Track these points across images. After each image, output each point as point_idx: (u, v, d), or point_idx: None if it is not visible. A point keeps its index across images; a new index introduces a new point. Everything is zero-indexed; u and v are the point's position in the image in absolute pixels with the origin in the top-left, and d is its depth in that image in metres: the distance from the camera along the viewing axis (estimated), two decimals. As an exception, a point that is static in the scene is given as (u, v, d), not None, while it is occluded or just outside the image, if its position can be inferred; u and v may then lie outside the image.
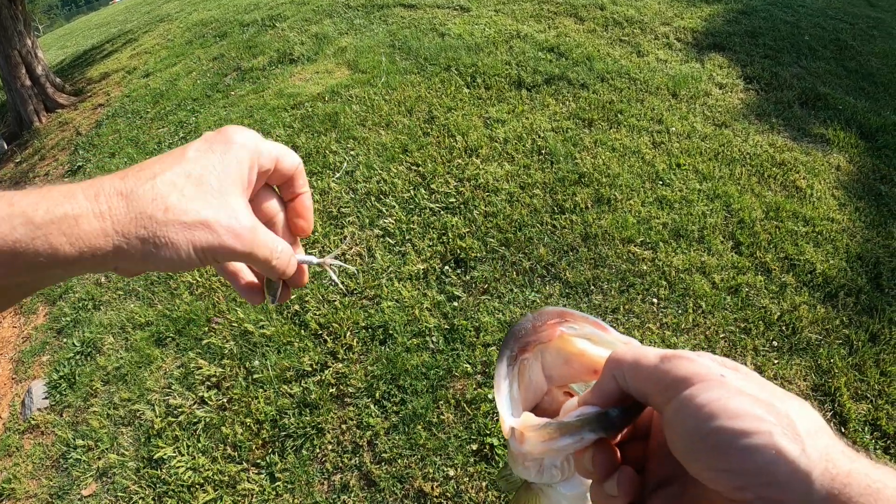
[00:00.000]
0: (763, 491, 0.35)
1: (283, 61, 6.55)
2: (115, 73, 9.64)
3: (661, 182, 4.00)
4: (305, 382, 3.05)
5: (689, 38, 5.83)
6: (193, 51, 8.46)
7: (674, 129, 4.48)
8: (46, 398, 3.64)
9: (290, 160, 0.64)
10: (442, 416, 2.80)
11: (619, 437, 0.51)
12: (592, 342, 0.56)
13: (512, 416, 0.56)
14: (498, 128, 4.53)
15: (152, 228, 0.50)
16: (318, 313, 3.37)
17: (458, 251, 3.57)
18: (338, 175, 3.68)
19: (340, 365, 3.09)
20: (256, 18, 8.55)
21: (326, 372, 3.06)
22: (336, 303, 3.40)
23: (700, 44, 5.75)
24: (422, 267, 3.51)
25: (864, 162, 4.38)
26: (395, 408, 2.87)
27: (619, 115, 4.61)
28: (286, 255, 0.62)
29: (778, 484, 0.35)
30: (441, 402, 2.86)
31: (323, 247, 3.78)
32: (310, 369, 3.10)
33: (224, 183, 0.55)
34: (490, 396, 2.83)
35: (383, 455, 2.71)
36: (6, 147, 9.01)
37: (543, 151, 4.25)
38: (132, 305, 3.94)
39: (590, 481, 0.52)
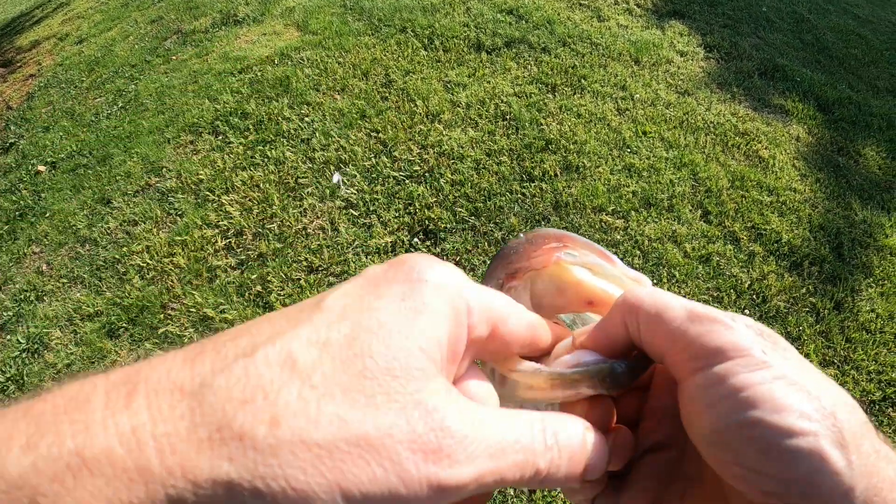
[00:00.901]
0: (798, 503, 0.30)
1: (228, 23, 6.14)
2: (46, 40, 8.93)
3: (628, 150, 3.90)
4: (273, 367, 2.83)
5: (648, 4, 5.71)
6: (129, 14, 7.88)
7: (638, 95, 4.37)
8: (-5, 405, 3.28)
9: (521, 319, 0.39)
10: (420, 399, 2.65)
11: None
12: (593, 273, 0.49)
13: None
14: (459, 92, 4.33)
15: (247, 462, 0.25)
16: (282, 293, 3.13)
17: (427, 222, 3.38)
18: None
19: (309, 347, 2.89)
20: (194, -24, 8.01)
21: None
22: (301, 281, 3.17)
23: (660, 10, 5.64)
24: (389, 240, 3.31)
25: (822, 134, 4.40)
26: (370, 391, 2.70)
27: (582, 81, 4.47)
28: (575, 445, 0.35)
29: (818, 498, 0.30)
30: (418, 384, 2.70)
31: (282, 221, 3.52)
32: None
33: (404, 358, 0.29)
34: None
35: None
36: None
37: (508, 117, 4.09)
38: (78, 294, 3.58)
39: None
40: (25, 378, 3.25)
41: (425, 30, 5.09)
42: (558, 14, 5.36)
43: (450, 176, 3.62)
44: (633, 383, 0.40)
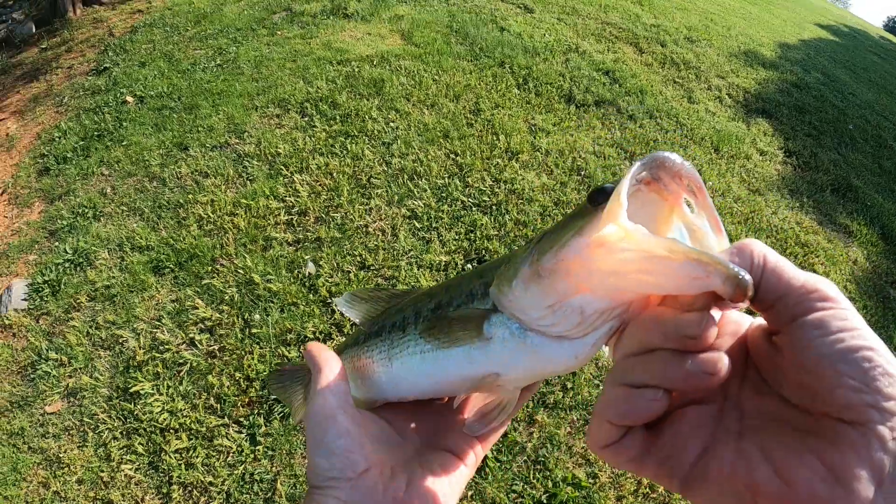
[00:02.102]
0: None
1: (337, 13, 6.25)
2: None
3: (690, 232, 3.86)
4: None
5: (739, 97, 5.71)
6: None
7: (710, 183, 4.35)
8: (25, 300, 3.32)
9: None
10: (438, 419, 2.63)
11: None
12: (695, 236, 0.47)
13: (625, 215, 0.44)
14: (542, 137, 4.36)
15: None
16: (330, 280, 3.15)
17: (483, 252, 3.38)
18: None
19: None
20: (317, -37, 8.19)
21: (329, 344, 2.86)
22: (351, 274, 3.19)
23: (749, 105, 5.63)
24: (444, 259, 3.31)
25: (879, 262, 4.32)
26: (392, 398, 2.69)
27: (660, 156, 4.45)
28: None
29: None
30: (440, 404, 2.68)
31: (346, 213, 3.56)
32: (312, 337, 2.88)
33: None
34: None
35: (373, 446, 2.53)
36: (34, 30, 8.60)
37: (582, 173, 4.08)
38: (135, 224, 3.65)
39: (580, 354, 0.49)
40: (62, 286, 3.31)
41: (522, 69, 5.14)
42: (652, 86, 5.38)
43: (515, 214, 3.63)
44: (752, 300, 0.41)
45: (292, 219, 3.53)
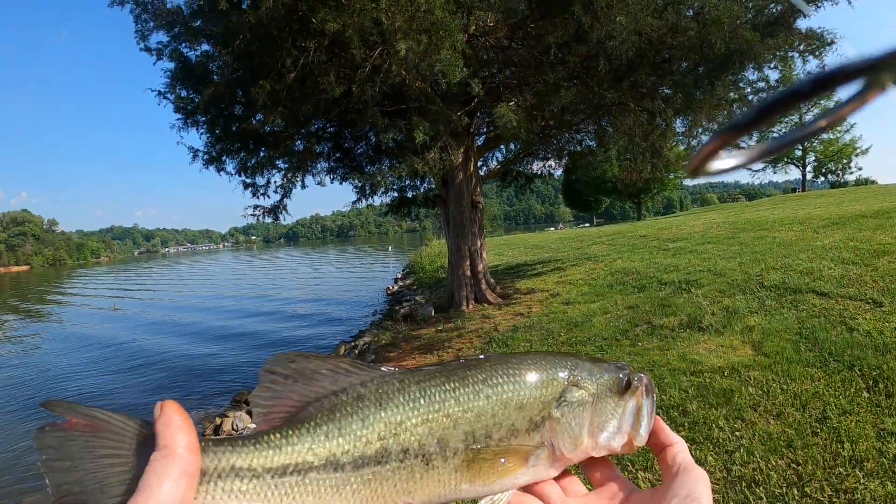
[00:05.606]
0: None
1: (692, 327, 7.86)
2: (540, 291, 12.31)
3: None
4: None
5: None
6: (612, 294, 10.42)
7: None
8: None
9: None
10: None
11: None
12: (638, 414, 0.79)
13: None
14: (891, 442, 4.86)
15: None
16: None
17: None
18: None
19: None
20: (674, 279, 10.30)
21: None
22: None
23: None
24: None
25: None
26: None
27: None
28: None
29: None
30: None
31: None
32: None
33: None
34: None
35: None
36: (433, 314, 12.58)
37: (934, 479, 4.48)
38: None
39: None
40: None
41: (872, 370, 5.90)
42: None
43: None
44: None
45: None
